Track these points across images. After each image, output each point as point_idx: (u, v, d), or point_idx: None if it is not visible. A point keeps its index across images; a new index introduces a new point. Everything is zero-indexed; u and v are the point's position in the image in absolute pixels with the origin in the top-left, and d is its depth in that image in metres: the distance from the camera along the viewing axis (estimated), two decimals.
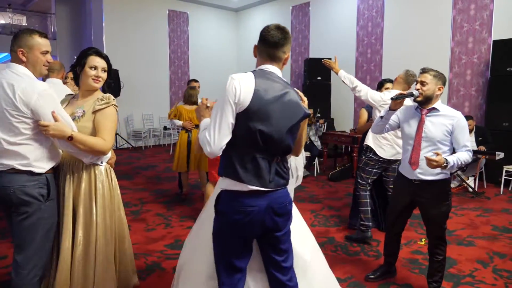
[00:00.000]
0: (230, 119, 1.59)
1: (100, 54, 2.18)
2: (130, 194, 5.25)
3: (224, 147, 1.62)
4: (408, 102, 2.85)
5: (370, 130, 3.41)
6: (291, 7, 9.87)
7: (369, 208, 3.56)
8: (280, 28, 1.69)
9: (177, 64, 10.54)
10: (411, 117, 2.55)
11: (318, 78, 8.41)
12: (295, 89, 1.77)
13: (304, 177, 6.35)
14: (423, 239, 3.60)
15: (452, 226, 3.99)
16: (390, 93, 3.39)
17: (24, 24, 11.07)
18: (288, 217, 1.78)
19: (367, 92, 3.43)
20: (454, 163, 2.30)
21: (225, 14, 11.56)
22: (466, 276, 2.92)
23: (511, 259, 3.22)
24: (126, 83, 9.30)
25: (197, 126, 4.69)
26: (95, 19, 9.37)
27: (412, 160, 2.49)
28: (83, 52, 2.16)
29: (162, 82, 10.29)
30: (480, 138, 5.59)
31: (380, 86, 3.84)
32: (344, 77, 3.48)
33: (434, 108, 2.46)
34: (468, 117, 5.68)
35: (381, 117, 2.64)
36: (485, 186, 5.67)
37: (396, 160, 3.51)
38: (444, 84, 2.48)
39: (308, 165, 6.50)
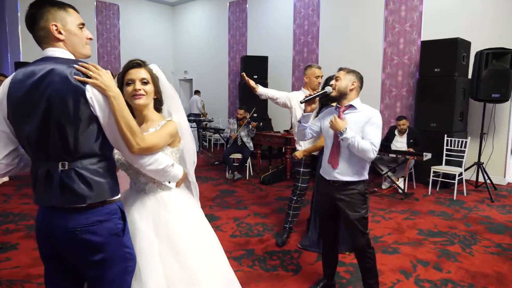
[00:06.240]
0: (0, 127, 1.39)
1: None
2: (34, 205, 4.56)
3: (4, 160, 1.42)
4: None
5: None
6: (228, 3, 9.50)
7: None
8: (31, 5, 1.41)
9: (107, 59, 9.77)
10: (329, 116, 2.42)
11: (255, 76, 8.10)
12: (79, 63, 1.35)
13: (235, 180, 6.01)
14: None
15: (379, 232, 3.81)
16: (303, 92, 3.32)
17: None
18: (89, 250, 1.38)
19: (284, 95, 3.51)
20: (351, 137, 2.21)
21: (160, 8, 10.93)
22: None
23: (433, 267, 3.06)
24: None
25: None
26: (8, 6, 8.36)
27: (333, 159, 2.36)
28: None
29: None
30: (411, 140, 5.55)
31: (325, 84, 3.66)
32: (262, 94, 3.47)
33: (351, 106, 2.35)
34: (401, 117, 5.62)
35: (299, 121, 2.47)
36: (414, 187, 5.65)
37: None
38: (359, 80, 2.37)
39: (240, 168, 6.17)
